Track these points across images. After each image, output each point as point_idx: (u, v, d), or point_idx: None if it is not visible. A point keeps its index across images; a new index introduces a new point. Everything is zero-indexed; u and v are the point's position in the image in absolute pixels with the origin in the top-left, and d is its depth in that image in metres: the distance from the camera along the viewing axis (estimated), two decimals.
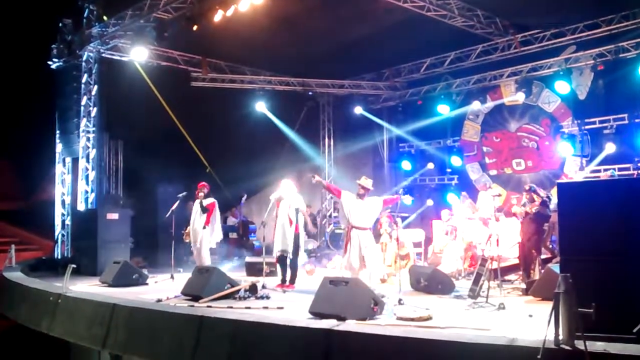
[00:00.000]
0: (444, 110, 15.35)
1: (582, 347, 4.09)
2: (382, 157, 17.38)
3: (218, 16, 10.67)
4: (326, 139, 17.75)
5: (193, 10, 10.87)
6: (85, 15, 12.98)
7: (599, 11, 11.73)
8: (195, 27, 10.89)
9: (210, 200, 10.66)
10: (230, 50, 13.93)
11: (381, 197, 8.89)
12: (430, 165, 15.59)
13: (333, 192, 8.60)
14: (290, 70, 15.86)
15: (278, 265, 9.78)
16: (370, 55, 14.50)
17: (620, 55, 11.99)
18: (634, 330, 4.42)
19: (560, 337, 4.28)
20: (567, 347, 4.23)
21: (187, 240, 10.83)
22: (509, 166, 14.84)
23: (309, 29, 12.32)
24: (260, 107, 15.82)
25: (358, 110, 16.70)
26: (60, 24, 13.39)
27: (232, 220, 15.34)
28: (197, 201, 10.66)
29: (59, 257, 13.38)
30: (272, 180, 11.28)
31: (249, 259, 11.69)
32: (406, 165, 16.68)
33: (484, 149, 15.39)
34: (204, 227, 10.50)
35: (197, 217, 10.55)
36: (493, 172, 15.16)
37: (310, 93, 16.62)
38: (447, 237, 11.35)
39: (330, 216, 17.03)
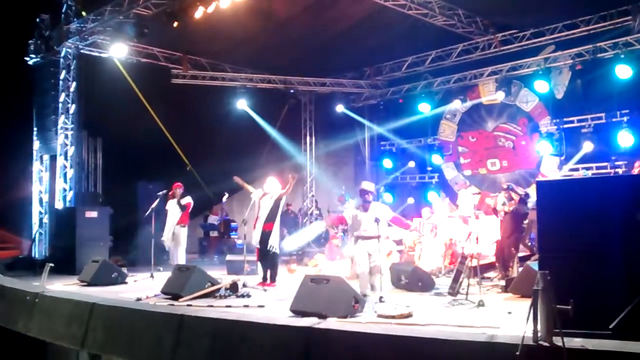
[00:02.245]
0: (424, 109, 15.44)
1: (560, 344, 4.11)
2: (364, 155, 17.45)
3: (199, 12, 10.61)
4: (308, 137, 17.75)
5: (173, 6, 10.78)
6: (63, 10, 12.82)
7: (577, 11, 11.87)
8: (175, 24, 10.80)
9: (188, 199, 10.69)
10: (211, 47, 13.85)
11: (392, 213, 8.49)
12: (411, 164, 15.67)
13: (341, 223, 8.51)
14: (272, 68, 15.80)
15: (259, 263, 9.78)
16: (351, 54, 14.51)
17: (598, 55, 12.18)
18: (610, 327, 4.45)
19: (539, 334, 4.28)
20: (545, 344, 4.24)
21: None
22: (483, 166, 14.95)
23: (291, 26, 12.29)
24: (242, 104, 15.74)
25: (340, 108, 16.73)
26: (38, 20, 13.20)
27: (213, 219, 15.25)
28: (173, 201, 10.72)
29: (37, 255, 13.19)
30: (253, 178, 11.23)
31: (229, 257, 11.64)
32: (387, 163, 16.75)
33: (459, 148, 15.48)
34: (183, 226, 10.50)
35: (173, 217, 10.54)
36: (467, 173, 15.27)
37: (291, 91, 16.61)
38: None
39: (311, 214, 17.03)
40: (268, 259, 9.48)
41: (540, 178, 12.88)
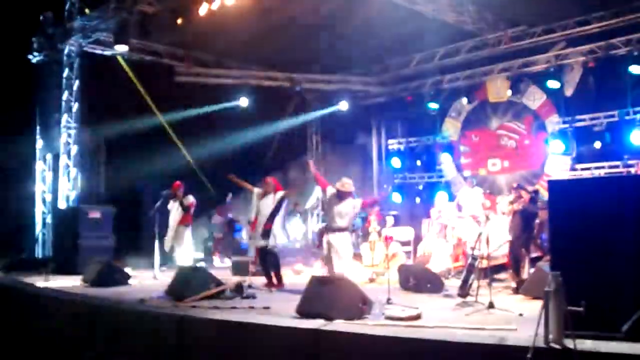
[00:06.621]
0: (433, 107, 15.24)
1: (572, 346, 4.11)
2: (371, 154, 17.26)
3: (203, 9, 10.53)
4: (314, 136, 17.60)
5: (178, 3, 10.71)
6: (66, 8, 12.77)
7: (589, 7, 11.68)
8: (179, 21, 10.74)
9: (191, 199, 10.58)
10: (216, 45, 13.74)
11: (360, 199, 8.58)
12: (419, 163, 15.48)
13: (319, 182, 8.54)
14: (278, 65, 15.66)
15: (258, 262, 9.66)
16: (359, 51, 14.36)
17: (611, 52, 11.97)
18: (623, 329, 4.41)
19: (550, 336, 4.30)
20: (557, 346, 4.25)
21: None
22: (484, 167, 14.64)
23: (297, 23, 12.16)
24: (246, 102, 15.62)
25: (346, 106, 16.53)
26: (41, 17, 13.14)
27: (217, 219, 15.11)
28: (175, 201, 10.59)
29: (40, 256, 13.11)
30: (258, 178, 11.13)
31: (235, 258, 11.53)
32: (395, 162, 16.55)
33: (461, 148, 15.19)
34: (186, 225, 10.41)
35: (176, 217, 10.45)
36: (467, 173, 14.89)
37: (297, 88, 16.43)
38: (438, 237, 11.23)
39: (318, 215, 16.88)
40: (270, 260, 9.34)
41: (544, 179, 12.69)
